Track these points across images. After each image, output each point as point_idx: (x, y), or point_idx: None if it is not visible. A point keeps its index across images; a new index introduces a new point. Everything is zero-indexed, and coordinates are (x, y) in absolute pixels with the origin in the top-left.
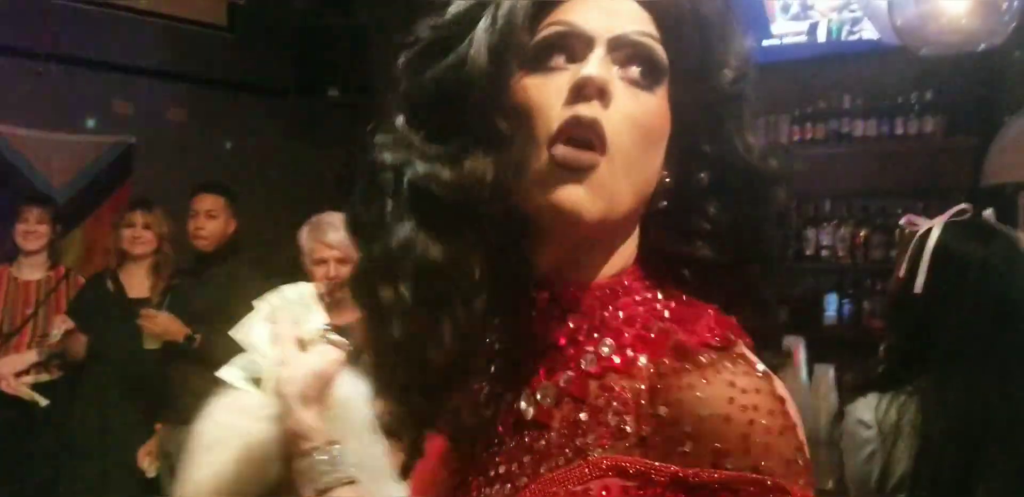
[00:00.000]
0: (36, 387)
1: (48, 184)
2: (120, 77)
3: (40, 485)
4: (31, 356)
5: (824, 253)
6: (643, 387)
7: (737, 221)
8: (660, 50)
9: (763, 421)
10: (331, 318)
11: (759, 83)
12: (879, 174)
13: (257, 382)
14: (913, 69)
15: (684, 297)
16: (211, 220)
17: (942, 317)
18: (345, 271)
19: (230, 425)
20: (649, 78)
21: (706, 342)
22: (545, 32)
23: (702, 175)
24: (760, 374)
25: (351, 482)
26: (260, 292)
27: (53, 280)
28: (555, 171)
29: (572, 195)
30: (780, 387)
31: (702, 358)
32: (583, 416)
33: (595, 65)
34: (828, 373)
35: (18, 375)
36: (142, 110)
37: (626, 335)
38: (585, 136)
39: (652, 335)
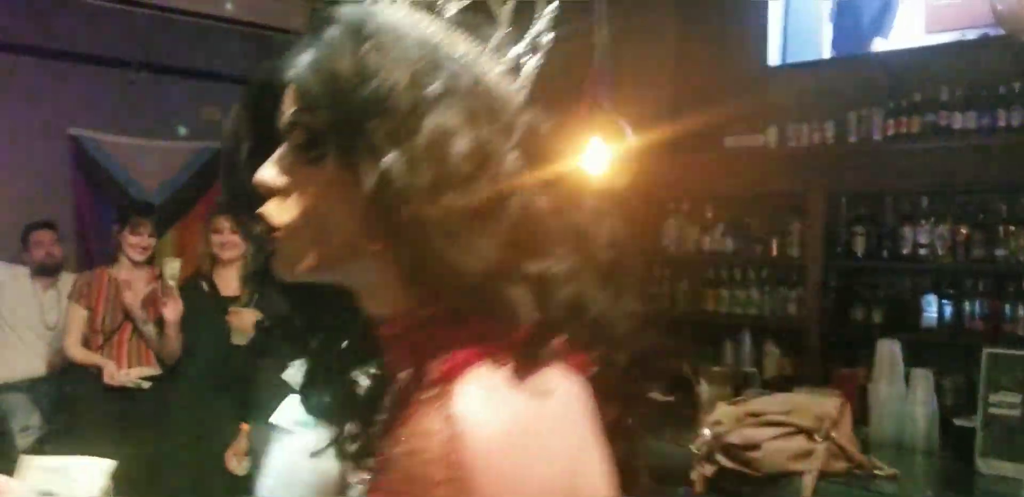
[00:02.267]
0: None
1: (141, 189)
2: (208, 84)
3: (146, 475)
4: (132, 352)
5: (922, 252)
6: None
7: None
8: (307, 124)
9: (416, 467)
10: None
11: (851, 75)
12: (979, 169)
13: (310, 423)
14: (1015, 57)
15: (475, 322)
16: None
17: None
18: None
19: (301, 465)
20: (312, 151)
21: (433, 376)
22: None
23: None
24: (447, 417)
25: None
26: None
27: (150, 281)
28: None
29: (272, 264)
30: (472, 435)
31: (428, 391)
32: (383, 444)
33: (262, 167)
34: (927, 378)
35: (122, 370)
36: (230, 116)
37: (425, 363)
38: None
39: (434, 365)
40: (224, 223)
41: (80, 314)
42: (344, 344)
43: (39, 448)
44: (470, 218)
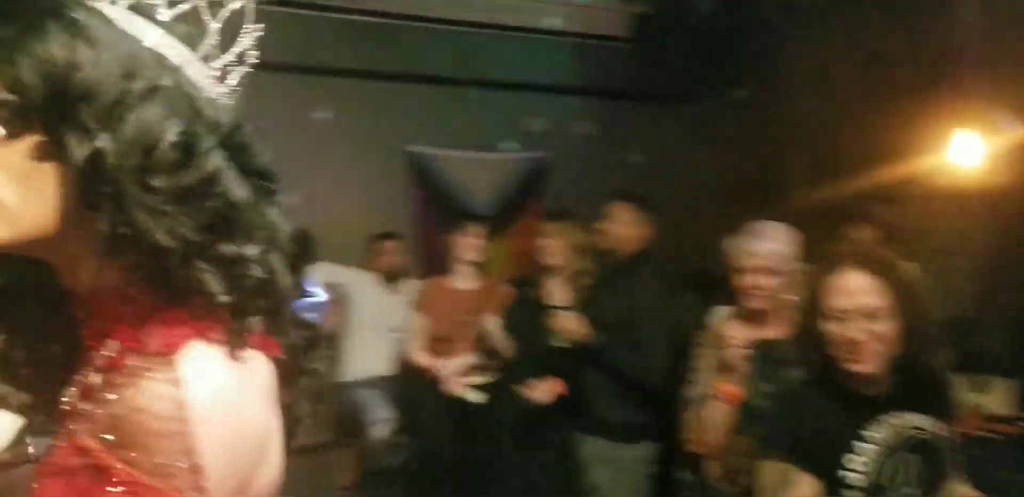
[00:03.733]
0: (473, 388)
1: (473, 201)
2: (533, 95)
3: (478, 480)
4: (468, 359)
5: None
6: (120, 380)
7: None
8: (11, 103)
9: (150, 423)
10: (756, 331)
11: None
12: None
13: None
14: None
15: (171, 302)
16: (618, 227)
17: None
18: (769, 282)
19: None
20: (14, 128)
21: (155, 348)
22: None
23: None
24: (173, 381)
25: None
26: (657, 302)
27: (484, 290)
28: None
29: None
30: (194, 396)
31: (142, 362)
32: (86, 406)
33: None
34: None
35: (458, 377)
36: (554, 126)
37: (125, 336)
38: None
39: (139, 337)
40: (552, 229)
41: (420, 321)
42: (42, 316)
43: (390, 441)
44: (173, 201)
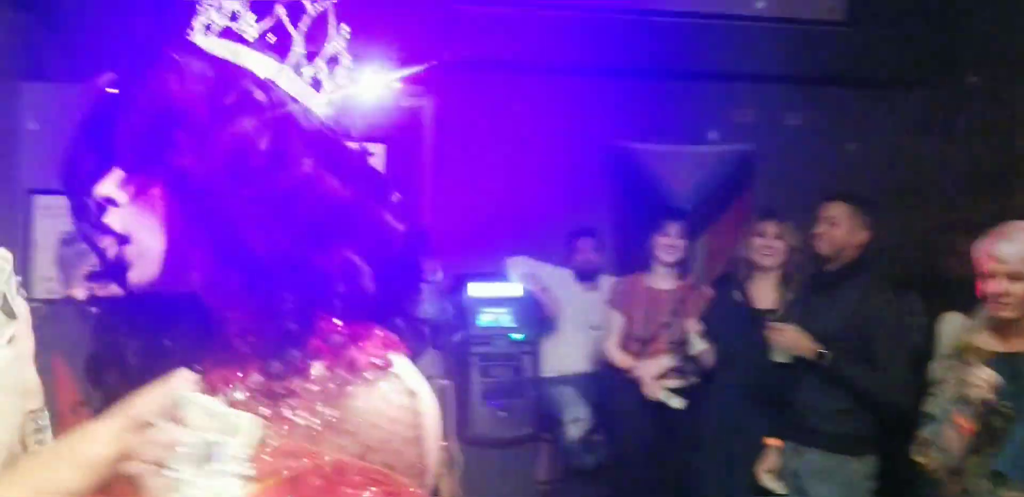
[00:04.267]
0: (672, 391)
1: (675, 196)
2: (739, 86)
3: (673, 484)
4: (667, 361)
5: None
6: (317, 389)
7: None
8: (128, 142)
9: (400, 431)
10: (1003, 343)
11: None
12: None
13: None
14: None
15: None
16: (833, 228)
17: None
18: (1017, 288)
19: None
20: (135, 164)
21: (372, 362)
22: None
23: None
24: (407, 393)
25: None
26: (891, 311)
27: (683, 290)
28: None
29: (129, 275)
30: (423, 404)
31: (367, 375)
32: (266, 411)
33: (101, 182)
34: None
35: (656, 379)
36: (761, 117)
37: (308, 345)
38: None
39: (329, 347)
40: (770, 228)
41: (617, 319)
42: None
43: (586, 439)
44: (267, 208)
